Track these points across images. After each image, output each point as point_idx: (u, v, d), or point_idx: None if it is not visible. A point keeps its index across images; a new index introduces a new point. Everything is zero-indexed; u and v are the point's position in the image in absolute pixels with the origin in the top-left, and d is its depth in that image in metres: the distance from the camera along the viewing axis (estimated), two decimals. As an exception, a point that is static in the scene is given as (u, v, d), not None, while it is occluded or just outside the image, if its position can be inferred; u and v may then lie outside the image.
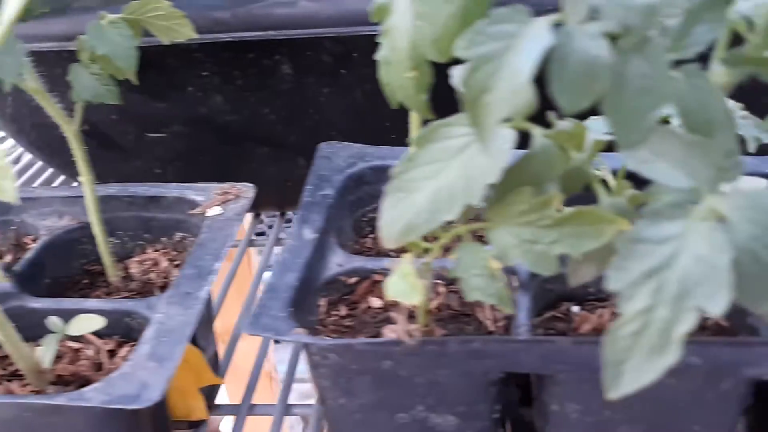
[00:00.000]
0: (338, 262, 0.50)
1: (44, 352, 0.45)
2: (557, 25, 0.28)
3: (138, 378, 0.40)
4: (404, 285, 0.35)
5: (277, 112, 0.74)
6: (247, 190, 0.57)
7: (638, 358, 0.27)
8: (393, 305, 0.50)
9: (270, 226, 0.99)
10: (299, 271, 0.46)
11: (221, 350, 0.65)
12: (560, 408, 0.43)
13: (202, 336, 0.57)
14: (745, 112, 0.48)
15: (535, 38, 0.27)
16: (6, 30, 0.35)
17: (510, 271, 0.47)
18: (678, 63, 0.31)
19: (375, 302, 0.50)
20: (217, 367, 0.64)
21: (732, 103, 0.48)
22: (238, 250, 0.80)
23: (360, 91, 0.70)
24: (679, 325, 0.27)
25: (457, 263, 0.36)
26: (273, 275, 0.45)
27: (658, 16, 0.27)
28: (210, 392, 0.62)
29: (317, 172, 0.56)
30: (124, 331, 0.50)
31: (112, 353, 0.50)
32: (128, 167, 0.83)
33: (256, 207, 0.88)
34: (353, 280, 0.50)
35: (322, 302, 0.49)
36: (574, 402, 0.42)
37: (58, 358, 0.49)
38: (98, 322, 0.46)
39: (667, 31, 0.30)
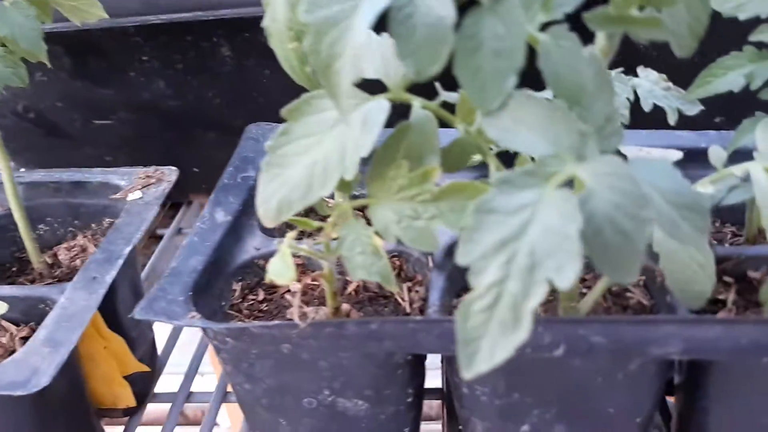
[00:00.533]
0: (256, 245, 0.49)
1: (-54, 339, 0.44)
2: (402, -16, 0.26)
3: (30, 364, 0.39)
4: (280, 265, 0.33)
5: (221, 95, 0.73)
6: (170, 174, 0.56)
7: (492, 334, 0.26)
8: (312, 288, 0.49)
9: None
10: (206, 254, 0.45)
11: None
12: (470, 391, 0.41)
13: (131, 324, 0.56)
14: (668, 83, 0.46)
15: (373, 0, 0.25)
16: None
17: (426, 252, 0.46)
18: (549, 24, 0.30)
19: (294, 286, 0.49)
20: (155, 355, 0.63)
21: (654, 74, 0.46)
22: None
23: (301, 73, 0.68)
24: (530, 299, 0.25)
25: (341, 241, 0.35)
26: (177, 259, 0.44)
27: (506, -28, 0.26)
28: (148, 381, 0.61)
29: (241, 154, 0.55)
30: (39, 318, 0.49)
31: (25, 340, 0.49)
32: (78, 155, 0.82)
33: (208, 192, 0.87)
34: (271, 263, 0.49)
35: (237, 286, 0.47)
36: (480, 384, 0.40)
37: (-29, 345, 0.48)
38: (1, 308, 0.45)
39: (530, -9, 0.28)
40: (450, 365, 0.42)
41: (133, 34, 0.68)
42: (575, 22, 0.30)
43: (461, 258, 0.26)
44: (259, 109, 0.72)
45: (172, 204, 0.94)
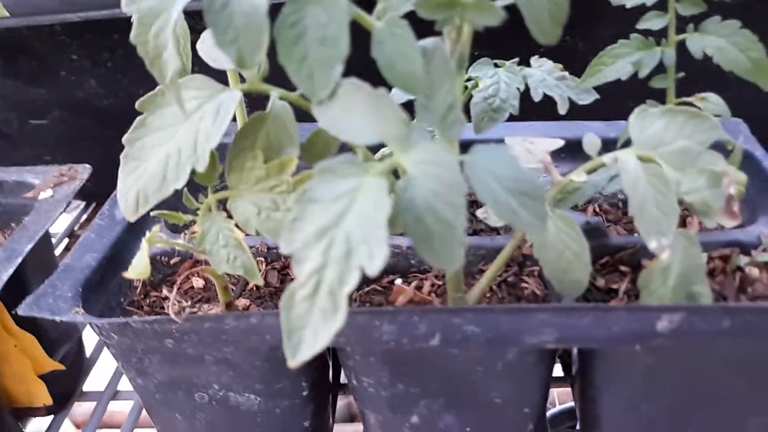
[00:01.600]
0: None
1: None
2: (219, -25, 0.26)
3: None
4: (137, 260, 0.33)
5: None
6: (83, 172, 0.56)
7: (315, 322, 0.26)
8: (210, 289, 0.49)
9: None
10: (102, 251, 0.45)
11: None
12: (358, 383, 0.42)
13: (49, 323, 0.56)
14: (563, 73, 0.46)
15: (186, -12, 0.26)
16: None
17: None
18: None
19: (198, 282, 0.49)
20: (82, 354, 0.63)
21: (549, 63, 0.46)
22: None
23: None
24: (345, 285, 0.25)
25: (203, 235, 0.35)
26: (71, 255, 0.44)
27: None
28: (74, 379, 0.61)
29: (153, 151, 0.55)
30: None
31: (-72, 340, 0.49)
32: (17, 155, 0.82)
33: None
34: (175, 260, 0.49)
35: (138, 283, 0.47)
36: (365, 376, 0.41)
37: None
38: None
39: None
40: (339, 357, 0.42)
41: (60, 32, 0.68)
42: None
43: (284, 247, 0.26)
44: (192, 107, 0.72)
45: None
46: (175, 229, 0.50)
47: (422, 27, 0.30)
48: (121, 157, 0.33)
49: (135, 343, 0.41)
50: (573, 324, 0.36)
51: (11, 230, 0.60)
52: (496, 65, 0.45)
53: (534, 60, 0.46)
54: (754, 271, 0.44)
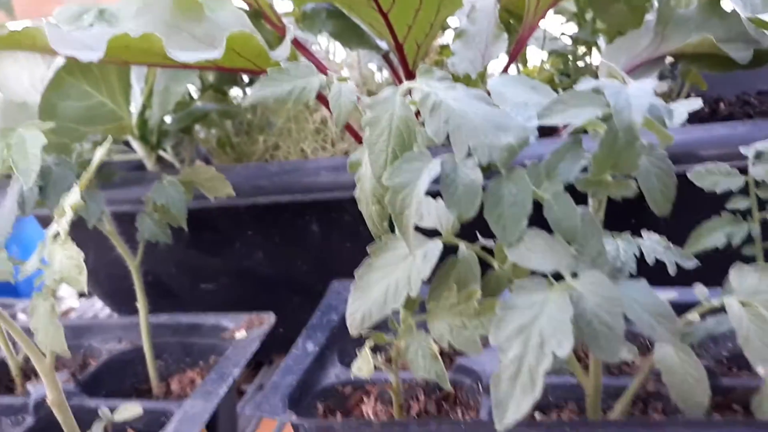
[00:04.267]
0: (336, 373, 0.60)
1: (93, 433, 0.56)
2: (449, 161, 0.41)
3: (161, 448, 0.50)
4: (362, 362, 0.45)
5: (307, 263, 0.88)
6: (269, 318, 0.69)
7: (516, 395, 0.36)
8: (381, 412, 0.59)
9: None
10: (298, 374, 0.56)
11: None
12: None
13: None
14: (668, 243, 0.57)
15: (430, 170, 0.40)
16: (86, 181, 0.51)
17: (476, 377, 0.56)
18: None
19: (366, 410, 0.59)
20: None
21: (656, 236, 0.58)
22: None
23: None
24: (541, 366, 0.36)
25: (406, 348, 0.46)
26: (277, 375, 0.56)
27: (517, 153, 0.40)
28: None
29: (327, 303, 0.68)
30: (160, 428, 0.60)
31: (146, 448, 0.59)
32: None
33: (290, 351, 0.99)
34: (348, 390, 0.60)
35: (320, 406, 0.58)
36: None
37: (104, 450, 0.59)
38: (137, 410, 0.56)
39: (538, 166, 0.42)
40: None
41: (243, 212, 0.85)
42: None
43: (492, 339, 0.37)
44: (338, 275, 0.86)
45: (257, 364, 1.07)
46: (347, 365, 0.62)
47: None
48: (352, 287, 0.46)
49: (332, 445, 0.51)
50: (697, 436, 0.45)
51: (200, 367, 0.72)
52: (612, 236, 0.57)
53: (644, 232, 0.58)
54: None
